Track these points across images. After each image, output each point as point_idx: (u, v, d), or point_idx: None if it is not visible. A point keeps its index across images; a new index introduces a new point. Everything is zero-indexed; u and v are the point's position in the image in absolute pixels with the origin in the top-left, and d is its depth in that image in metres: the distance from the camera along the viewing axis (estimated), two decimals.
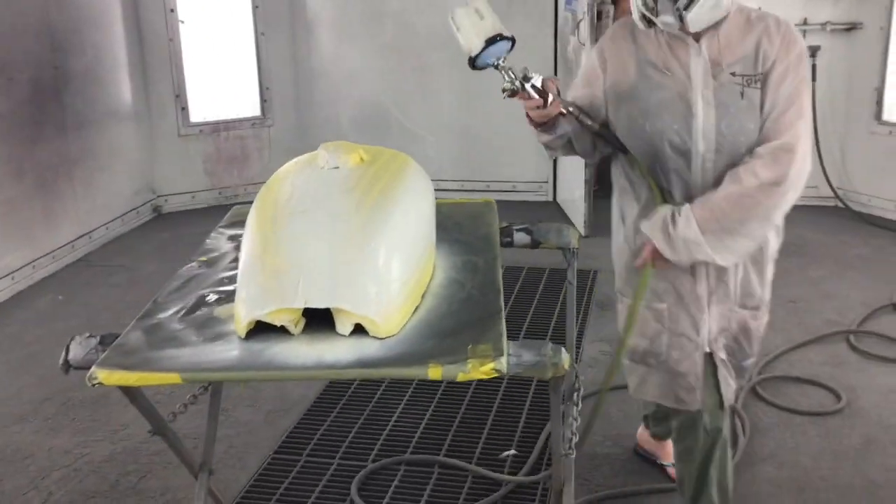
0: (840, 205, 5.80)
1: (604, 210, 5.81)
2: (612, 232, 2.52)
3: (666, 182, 2.27)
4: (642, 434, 3.05)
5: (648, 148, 2.26)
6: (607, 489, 2.89)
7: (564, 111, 2.17)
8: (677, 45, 2.20)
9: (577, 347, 3.92)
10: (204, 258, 2.09)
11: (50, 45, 5.14)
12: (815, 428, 3.25)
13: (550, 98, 2.08)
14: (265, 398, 3.57)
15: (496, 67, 2.06)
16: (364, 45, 6.39)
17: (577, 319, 2.89)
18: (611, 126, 2.32)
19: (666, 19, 2.11)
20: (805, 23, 5.70)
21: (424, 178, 2.00)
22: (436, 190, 2.15)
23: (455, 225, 2.17)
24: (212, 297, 1.84)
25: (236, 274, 1.92)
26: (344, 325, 1.60)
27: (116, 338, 1.68)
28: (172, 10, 6.05)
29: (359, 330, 1.60)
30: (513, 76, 2.04)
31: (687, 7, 2.08)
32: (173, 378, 1.52)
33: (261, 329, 1.62)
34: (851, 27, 5.70)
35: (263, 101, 6.50)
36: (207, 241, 2.22)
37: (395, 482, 2.97)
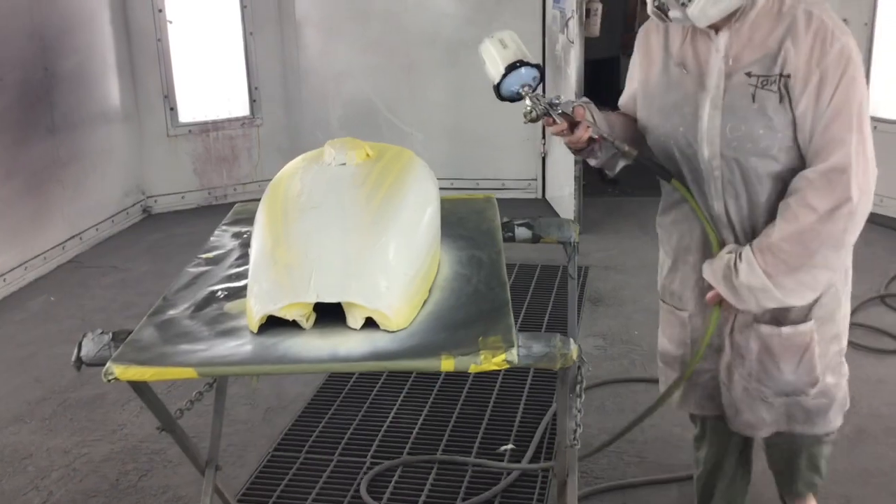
0: None
1: (593, 207, 5.90)
2: (662, 230, 2.32)
3: (691, 190, 2.12)
4: None
5: (663, 152, 2.13)
6: (606, 481, 2.93)
7: (595, 136, 2.05)
8: (700, 39, 2.01)
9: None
10: (209, 255, 2.11)
11: (39, 47, 5.12)
12: None
13: (580, 124, 2.00)
14: (263, 396, 3.59)
15: (522, 95, 2.00)
16: (353, 43, 6.40)
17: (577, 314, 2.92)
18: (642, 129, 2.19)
19: (674, 14, 1.93)
20: None
21: (430, 174, 2.03)
22: None
23: (458, 220, 2.20)
24: (221, 294, 1.86)
25: (243, 270, 1.94)
26: (355, 319, 1.62)
27: (129, 334, 1.69)
28: (161, 11, 6.04)
29: (369, 323, 1.63)
30: (537, 102, 1.97)
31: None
32: (189, 373, 1.54)
33: (272, 323, 1.64)
34: None
35: (252, 100, 6.50)
36: (212, 238, 2.23)
37: (396, 477, 2.99)
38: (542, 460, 3.05)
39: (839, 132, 1.87)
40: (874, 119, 5.75)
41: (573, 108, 2.01)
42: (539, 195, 6.38)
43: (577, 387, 1.85)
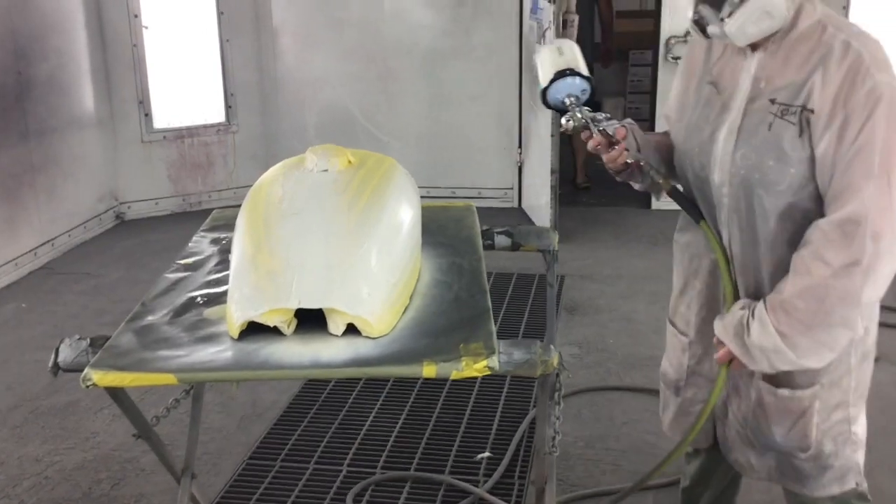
0: None
1: (568, 216, 5.94)
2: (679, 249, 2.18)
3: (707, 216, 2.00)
4: None
5: (680, 172, 2.03)
6: (582, 488, 2.94)
7: (630, 160, 1.96)
8: (737, 57, 1.89)
9: None
10: (188, 261, 2.10)
11: (13, 52, 5.07)
12: None
13: (617, 145, 1.94)
14: (238, 404, 3.56)
15: (566, 107, 1.95)
16: (329, 51, 6.40)
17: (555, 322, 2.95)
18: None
19: (712, 30, 1.81)
20: None
21: (411, 181, 2.04)
22: None
23: (438, 228, 2.21)
24: (200, 299, 1.85)
25: (223, 276, 1.94)
26: (337, 325, 1.62)
27: (107, 340, 1.68)
28: (136, 16, 6.00)
29: (350, 330, 1.63)
30: (579, 114, 1.93)
31: (729, 15, 1.75)
32: (169, 379, 1.53)
33: (253, 329, 1.64)
34: None
35: (228, 107, 6.48)
36: (190, 244, 2.23)
37: (371, 489, 2.99)
38: (519, 468, 3.05)
39: (857, 178, 1.70)
40: None
41: (615, 128, 1.94)
42: (515, 204, 6.41)
43: (556, 394, 1.86)
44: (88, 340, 1.68)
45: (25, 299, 4.78)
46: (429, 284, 1.87)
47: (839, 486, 2.03)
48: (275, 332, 1.63)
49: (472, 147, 6.35)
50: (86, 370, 1.55)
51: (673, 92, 2.12)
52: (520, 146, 6.26)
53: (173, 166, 6.36)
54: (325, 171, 1.88)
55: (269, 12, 6.43)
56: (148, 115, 6.18)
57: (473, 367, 1.52)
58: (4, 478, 3.10)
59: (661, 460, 2.19)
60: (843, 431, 1.99)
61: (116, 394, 1.90)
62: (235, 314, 1.63)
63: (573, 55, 1.99)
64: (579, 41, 5.54)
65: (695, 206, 2.01)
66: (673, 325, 2.20)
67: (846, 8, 5.64)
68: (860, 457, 2.04)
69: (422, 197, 2.09)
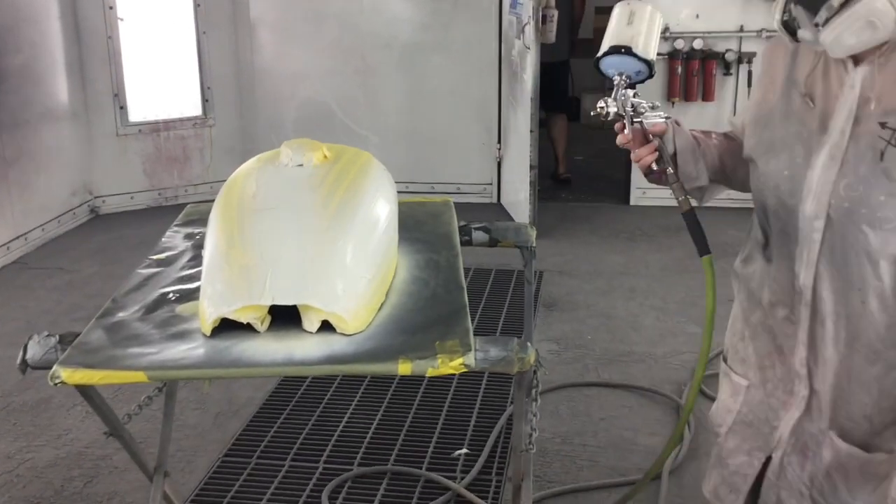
0: None
1: (547, 212, 5.93)
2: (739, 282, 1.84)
3: (771, 242, 1.71)
4: None
5: (758, 195, 1.72)
6: (559, 485, 2.93)
7: (655, 167, 1.76)
8: (834, 68, 1.59)
9: None
10: (161, 256, 2.06)
11: None
12: None
13: (648, 144, 1.76)
14: (213, 401, 3.53)
15: (614, 84, 1.77)
16: (307, 45, 6.36)
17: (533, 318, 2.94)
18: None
19: (803, 35, 1.54)
20: (741, 30, 5.86)
21: (387, 176, 2.01)
22: None
23: (416, 223, 2.18)
24: (172, 296, 1.82)
25: (195, 272, 1.90)
26: (311, 322, 1.59)
27: (76, 337, 1.64)
28: (111, 8, 5.94)
29: (325, 326, 1.60)
30: (617, 100, 1.75)
31: (826, 22, 1.47)
32: (139, 377, 1.50)
33: (225, 326, 1.60)
34: None
35: (205, 100, 6.42)
36: (163, 239, 2.19)
37: (348, 486, 2.97)
38: (496, 465, 3.04)
39: None
40: None
41: (654, 123, 1.76)
42: (494, 199, 6.39)
43: (533, 391, 1.84)
44: (57, 337, 1.64)
45: None
46: (405, 281, 1.84)
47: None
48: (248, 328, 1.60)
49: (452, 142, 6.34)
50: (54, 368, 1.51)
51: (750, 101, 1.85)
52: (499, 141, 6.24)
53: (149, 160, 6.29)
54: (300, 165, 1.84)
55: (246, 5, 6.38)
56: (123, 107, 6.11)
57: (449, 365, 1.49)
58: None
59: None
60: None
61: (87, 391, 1.87)
62: (208, 311, 1.59)
63: (640, 29, 1.77)
64: (557, 36, 5.58)
65: (703, 236, 1.82)
66: (726, 363, 1.90)
67: None
68: None
69: (400, 192, 2.06)
